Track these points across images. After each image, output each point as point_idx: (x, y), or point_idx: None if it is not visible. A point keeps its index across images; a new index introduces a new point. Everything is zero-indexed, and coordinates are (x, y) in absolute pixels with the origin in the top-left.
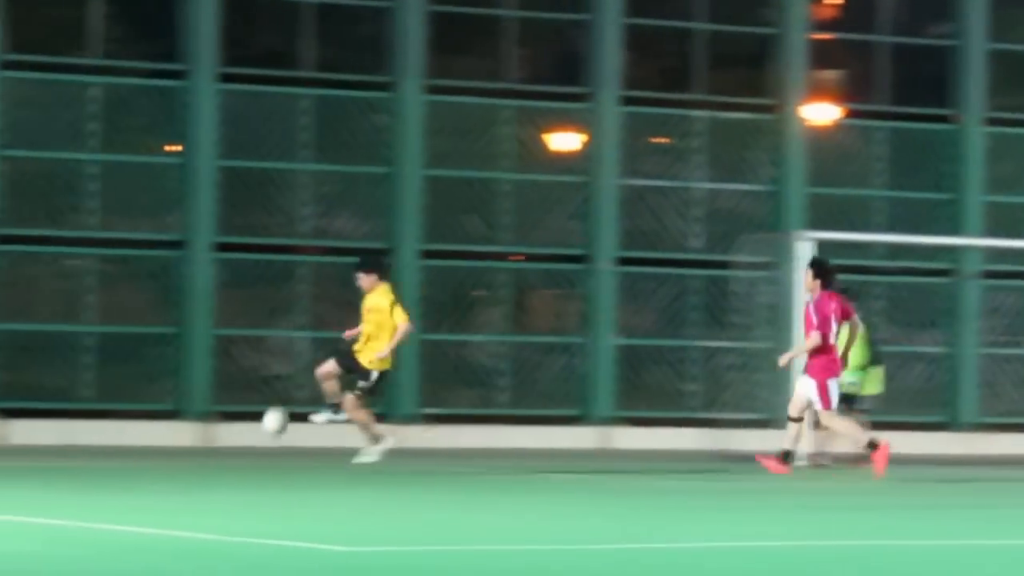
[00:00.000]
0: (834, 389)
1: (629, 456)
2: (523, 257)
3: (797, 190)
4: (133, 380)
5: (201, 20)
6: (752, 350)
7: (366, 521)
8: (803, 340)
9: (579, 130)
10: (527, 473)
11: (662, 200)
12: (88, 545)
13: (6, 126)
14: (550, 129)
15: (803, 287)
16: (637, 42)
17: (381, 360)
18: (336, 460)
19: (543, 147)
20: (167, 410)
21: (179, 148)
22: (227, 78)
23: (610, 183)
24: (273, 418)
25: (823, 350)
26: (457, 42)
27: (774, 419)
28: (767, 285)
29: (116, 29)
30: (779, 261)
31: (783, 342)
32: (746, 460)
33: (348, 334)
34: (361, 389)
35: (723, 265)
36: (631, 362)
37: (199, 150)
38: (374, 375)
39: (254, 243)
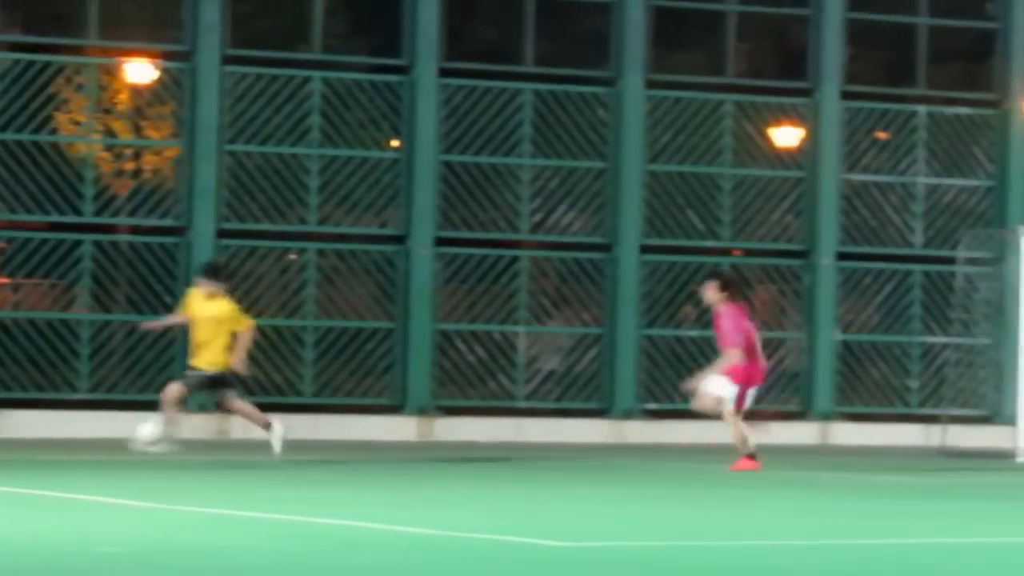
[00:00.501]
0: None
1: (848, 452)
2: (742, 252)
3: (1019, 185)
4: (353, 375)
5: (423, 15)
6: (973, 346)
7: (585, 515)
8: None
9: (800, 125)
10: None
11: (883, 195)
12: (315, 540)
13: (229, 121)
14: (771, 124)
15: None
16: (858, 37)
17: (224, 364)
18: (550, 455)
19: (763, 142)
20: (387, 404)
21: (400, 143)
22: (448, 73)
23: (830, 178)
24: (150, 428)
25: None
26: (678, 37)
27: (995, 415)
28: (989, 281)
29: (338, 24)
30: (1001, 256)
31: (1005, 338)
32: (967, 457)
33: (148, 325)
34: (191, 381)
35: (944, 261)
36: (851, 358)
37: (420, 145)
38: (198, 375)
39: (474, 238)
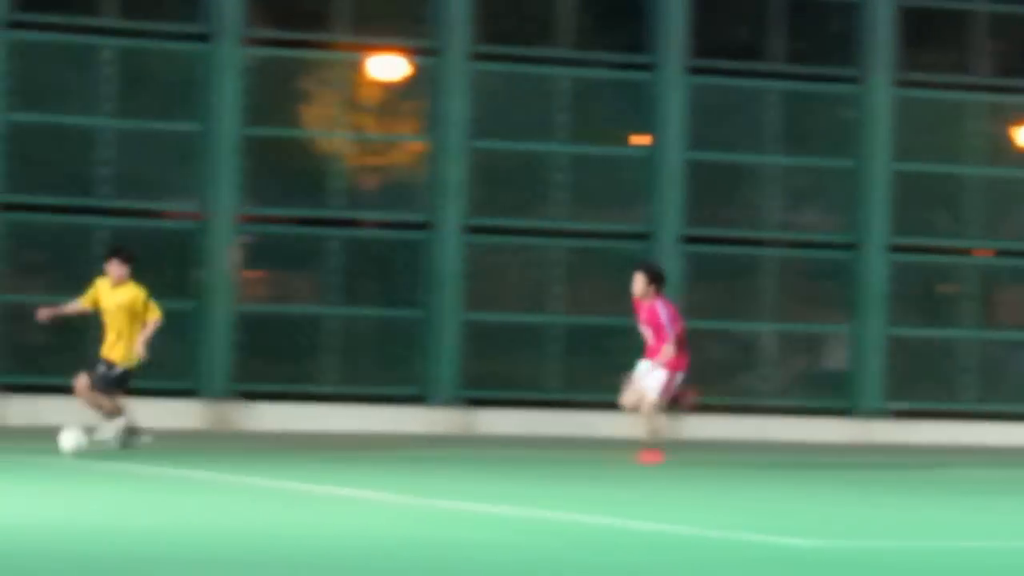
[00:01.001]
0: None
1: None
2: (992, 252)
3: None
4: (597, 371)
5: (671, 11)
6: None
7: (833, 514)
8: None
9: None
10: (991, 469)
11: None
12: (559, 536)
13: (476, 117)
14: (1019, 123)
15: None
16: None
17: (135, 356)
18: (794, 454)
19: (1012, 141)
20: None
21: (647, 140)
22: (696, 71)
23: None
24: (70, 437)
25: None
26: (927, 36)
27: None
28: None
29: (585, 20)
30: None
31: None
32: None
33: (45, 313)
34: (102, 377)
35: None
36: None
37: (667, 142)
38: (119, 370)
39: (720, 236)
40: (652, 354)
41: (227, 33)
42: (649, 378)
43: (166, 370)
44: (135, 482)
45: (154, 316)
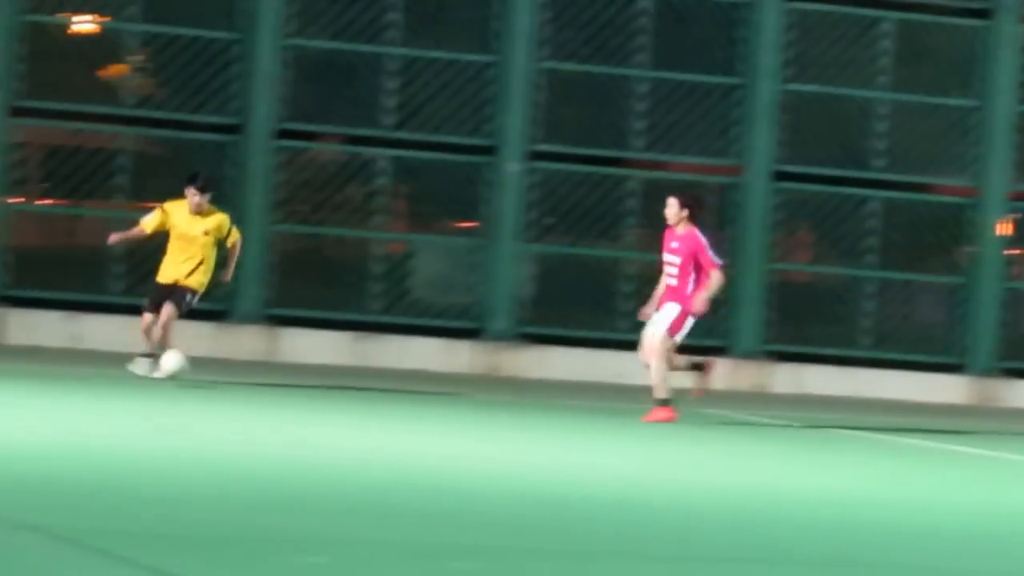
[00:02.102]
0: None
1: None
2: None
3: None
4: (912, 331)
5: None
6: None
7: None
8: None
9: None
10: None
11: None
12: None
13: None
14: None
15: None
16: None
17: (212, 282)
18: None
19: None
20: (945, 363)
21: None
22: None
23: None
24: (172, 359)
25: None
26: None
27: None
28: None
29: None
30: None
31: None
32: None
33: (116, 238)
34: (187, 306)
35: None
36: None
37: None
38: (194, 298)
39: None
40: (675, 296)
41: (1005, 9)
42: (659, 314)
43: (933, 345)
44: (899, 454)
45: (236, 239)
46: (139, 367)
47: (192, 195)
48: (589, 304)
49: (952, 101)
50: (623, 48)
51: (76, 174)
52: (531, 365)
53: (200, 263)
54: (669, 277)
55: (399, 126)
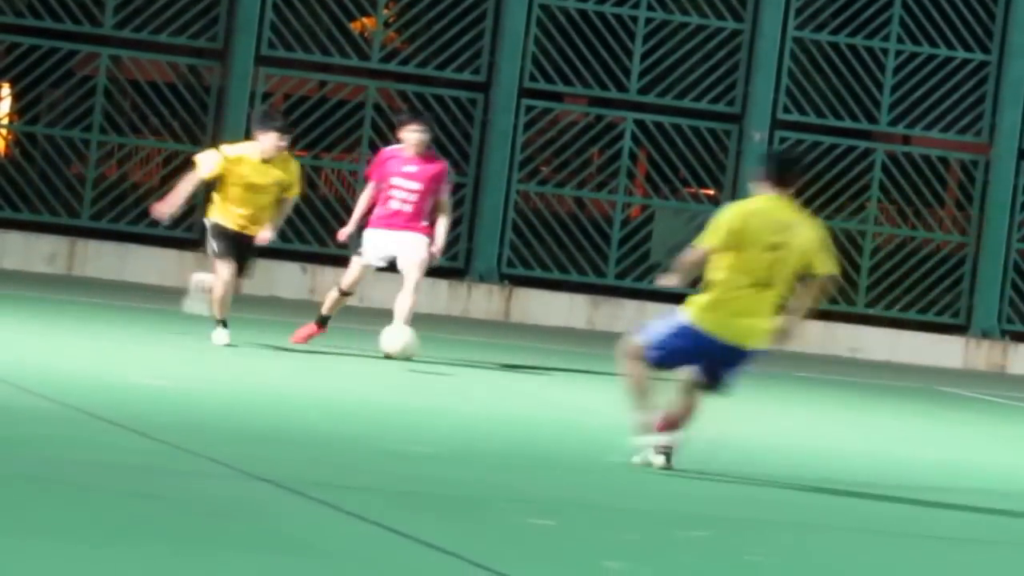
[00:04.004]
0: None
1: None
2: None
3: None
4: None
5: None
6: None
7: None
8: None
9: None
10: None
11: None
12: None
13: None
14: None
15: None
16: None
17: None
18: None
19: None
20: None
21: None
22: None
23: None
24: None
25: None
26: None
27: None
28: None
29: None
30: None
31: None
32: None
33: (165, 209)
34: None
35: None
36: None
37: None
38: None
39: None
40: None
41: None
42: None
43: None
44: None
45: (296, 192)
46: (219, 336)
47: (274, 139)
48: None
49: None
50: (874, 20)
51: (320, 125)
52: None
53: (261, 211)
54: None
55: (645, 90)
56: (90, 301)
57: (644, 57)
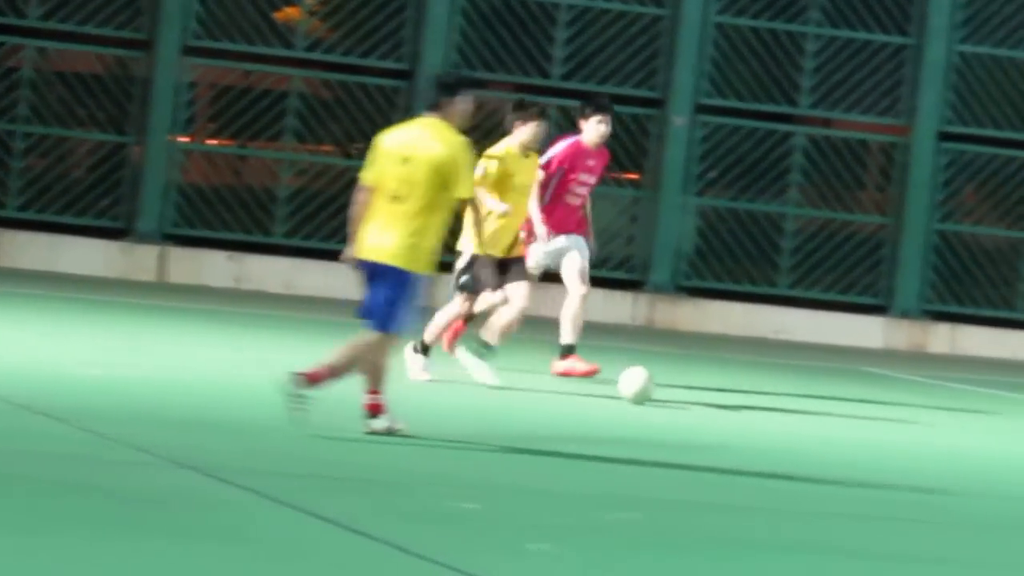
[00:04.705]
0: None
1: None
2: None
3: None
4: None
5: None
6: None
7: None
8: None
9: None
10: None
11: None
12: None
13: None
14: None
15: None
16: None
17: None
18: None
19: None
20: None
21: None
22: None
23: None
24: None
25: None
26: None
27: None
28: None
29: None
30: None
31: None
32: None
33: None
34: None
35: None
36: None
37: None
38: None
39: None
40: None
41: None
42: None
43: None
44: None
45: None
46: (483, 373)
47: (535, 128)
48: (750, 259)
49: None
50: (794, 4)
51: (245, 115)
52: (690, 318)
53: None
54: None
55: (567, 76)
56: (19, 292)
57: (567, 43)
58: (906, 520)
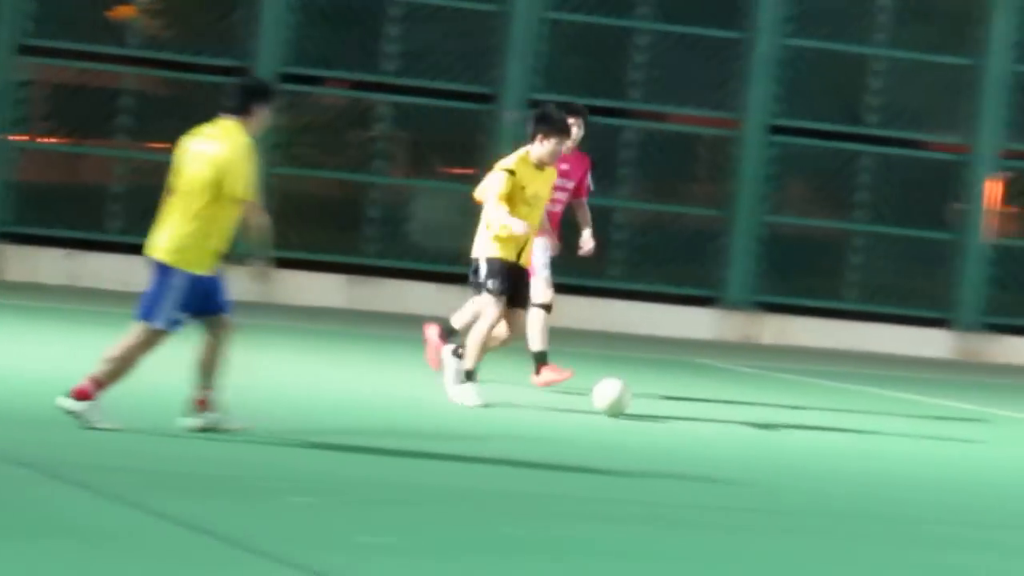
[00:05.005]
0: None
1: None
2: None
3: None
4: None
5: None
6: None
7: None
8: None
9: None
10: None
11: None
12: None
13: None
14: None
15: None
16: None
17: None
18: None
19: None
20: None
21: None
22: None
23: None
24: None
25: None
26: None
27: None
28: None
29: None
30: None
31: None
32: None
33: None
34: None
35: None
36: None
37: None
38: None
39: None
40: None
41: None
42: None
43: (920, 300)
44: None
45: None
46: (468, 395)
47: (559, 141)
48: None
49: (948, 59)
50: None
51: (80, 113)
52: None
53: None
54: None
55: (401, 73)
56: None
57: (401, 39)
58: (713, 509)
